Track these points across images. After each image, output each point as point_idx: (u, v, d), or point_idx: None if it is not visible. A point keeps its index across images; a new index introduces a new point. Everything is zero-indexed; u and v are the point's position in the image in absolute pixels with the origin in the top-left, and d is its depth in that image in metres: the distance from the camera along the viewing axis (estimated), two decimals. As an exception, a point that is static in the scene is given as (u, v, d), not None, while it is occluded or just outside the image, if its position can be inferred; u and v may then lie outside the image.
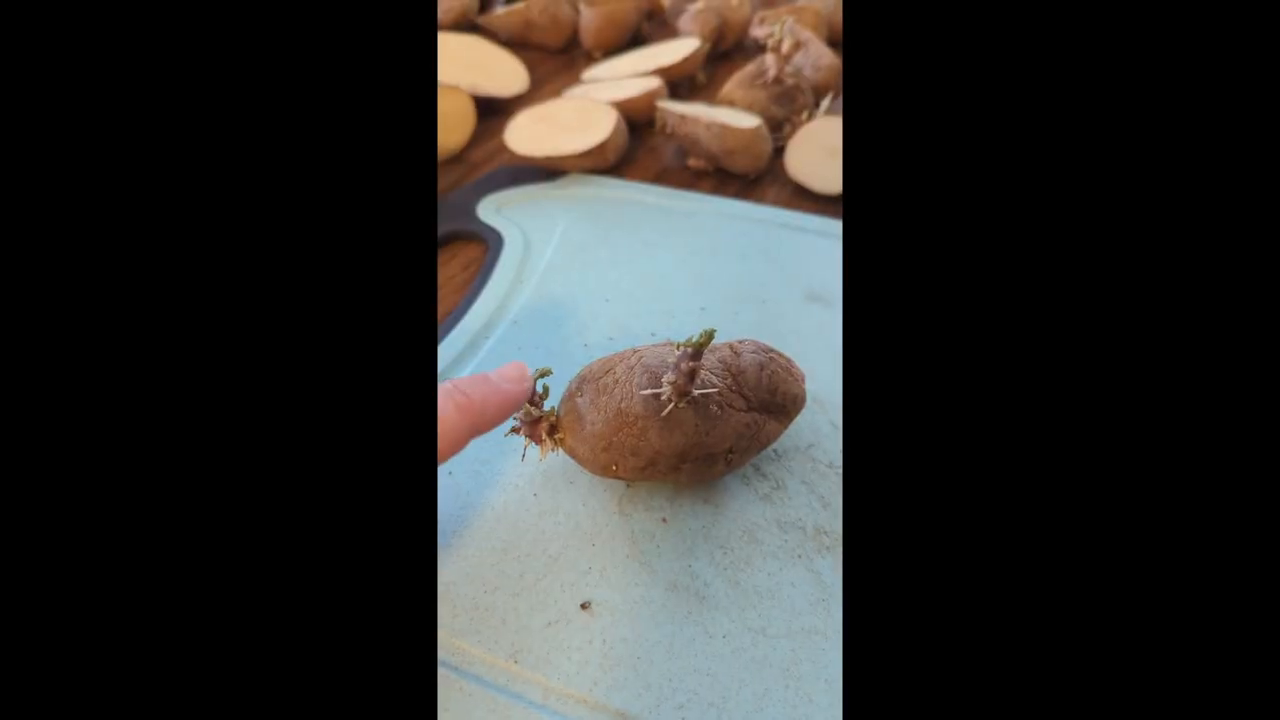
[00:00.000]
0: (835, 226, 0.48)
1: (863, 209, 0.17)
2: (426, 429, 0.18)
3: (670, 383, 0.26)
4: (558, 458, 0.31)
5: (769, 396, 0.29)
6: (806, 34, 0.64)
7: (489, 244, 0.45)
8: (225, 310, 0.16)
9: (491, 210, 0.49)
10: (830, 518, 0.30)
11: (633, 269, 0.44)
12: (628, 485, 0.30)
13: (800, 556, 0.28)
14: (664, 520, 0.29)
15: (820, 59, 0.62)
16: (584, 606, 0.26)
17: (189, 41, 0.17)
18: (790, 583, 0.27)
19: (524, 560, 0.28)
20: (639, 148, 0.58)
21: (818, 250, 0.46)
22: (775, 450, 0.32)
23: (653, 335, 0.38)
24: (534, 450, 0.31)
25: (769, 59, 0.56)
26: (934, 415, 0.16)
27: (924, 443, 0.16)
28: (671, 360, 0.26)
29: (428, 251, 0.18)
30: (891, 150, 0.16)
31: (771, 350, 0.30)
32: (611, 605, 0.26)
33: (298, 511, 0.16)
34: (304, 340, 0.17)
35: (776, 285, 0.43)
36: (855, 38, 0.17)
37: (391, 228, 0.18)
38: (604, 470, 0.28)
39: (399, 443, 0.17)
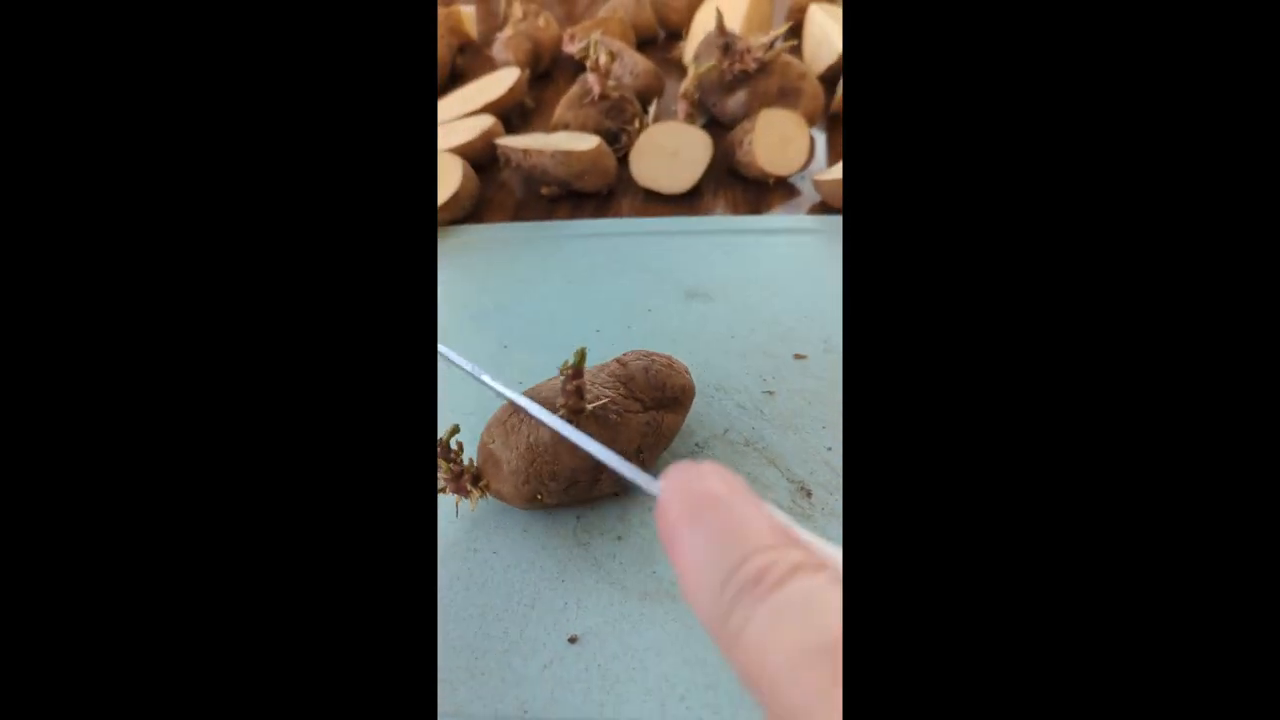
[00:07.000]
0: (693, 223, 0.52)
1: (865, 215, 0.16)
2: (426, 441, 0.18)
3: (562, 405, 0.29)
4: (505, 515, 0.33)
5: (660, 393, 0.33)
6: (617, 44, 0.68)
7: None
8: (214, 312, 0.16)
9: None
10: (759, 490, 0.33)
11: (521, 310, 0.45)
12: (578, 517, 0.33)
13: (745, 532, 0.32)
14: (619, 538, 0.32)
15: (635, 66, 0.65)
16: (572, 640, 0.28)
17: (186, 35, 0.16)
18: (743, 558, 0.31)
19: (504, 617, 0.29)
20: (489, 186, 0.59)
21: (684, 249, 0.49)
22: (696, 443, 0.36)
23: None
24: (466, 504, 0.33)
25: (590, 78, 0.58)
26: (938, 427, 0.15)
27: (929, 454, 0.15)
28: (558, 386, 0.30)
29: (428, 257, 0.18)
30: (893, 153, 0.16)
31: (652, 354, 0.34)
32: (596, 630, 0.28)
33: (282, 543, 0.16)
34: (294, 345, 0.17)
35: (656, 292, 0.46)
36: (856, 40, 0.17)
37: (389, 224, 0.17)
38: (530, 501, 0.31)
39: (394, 470, 0.17)
